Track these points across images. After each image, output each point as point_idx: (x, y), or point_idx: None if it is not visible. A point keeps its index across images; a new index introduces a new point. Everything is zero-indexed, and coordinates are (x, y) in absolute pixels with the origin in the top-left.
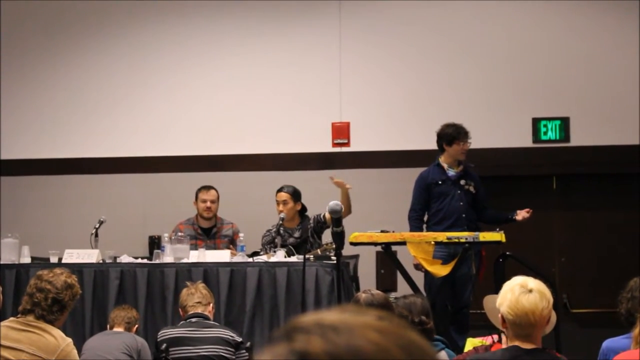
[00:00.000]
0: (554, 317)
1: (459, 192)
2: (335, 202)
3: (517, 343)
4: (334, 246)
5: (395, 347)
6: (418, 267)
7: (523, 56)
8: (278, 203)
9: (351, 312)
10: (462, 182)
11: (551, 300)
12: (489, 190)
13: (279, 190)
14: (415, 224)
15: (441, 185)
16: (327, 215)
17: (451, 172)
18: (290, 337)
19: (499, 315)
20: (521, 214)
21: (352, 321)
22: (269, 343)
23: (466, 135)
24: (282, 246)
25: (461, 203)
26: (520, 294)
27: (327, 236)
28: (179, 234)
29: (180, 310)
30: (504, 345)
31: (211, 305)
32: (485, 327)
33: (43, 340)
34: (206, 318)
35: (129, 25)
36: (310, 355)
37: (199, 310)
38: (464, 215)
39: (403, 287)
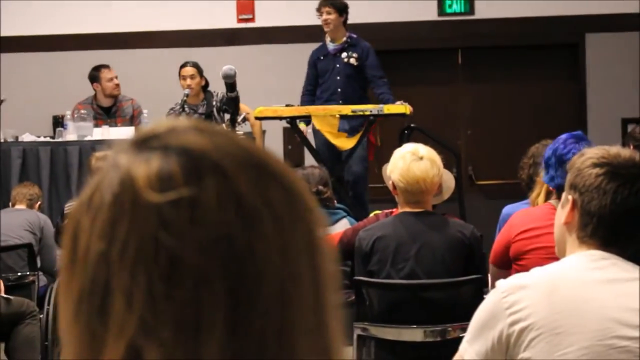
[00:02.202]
0: (451, 183)
1: (337, 65)
2: (229, 67)
3: (407, 209)
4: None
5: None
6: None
7: None
8: (184, 78)
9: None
10: (344, 55)
11: (441, 167)
12: (394, 65)
13: (184, 66)
14: (304, 101)
15: (322, 61)
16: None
17: (331, 46)
18: (151, 142)
19: (390, 182)
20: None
21: (218, 129)
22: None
23: (319, 6)
24: None
25: (338, 77)
26: (412, 161)
27: None
28: (82, 112)
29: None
30: None
31: None
32: (390, 201)
33: None
34: None
35: None
36: (196, 151)
37: None
38: (339, 90)
39: (310, 161)
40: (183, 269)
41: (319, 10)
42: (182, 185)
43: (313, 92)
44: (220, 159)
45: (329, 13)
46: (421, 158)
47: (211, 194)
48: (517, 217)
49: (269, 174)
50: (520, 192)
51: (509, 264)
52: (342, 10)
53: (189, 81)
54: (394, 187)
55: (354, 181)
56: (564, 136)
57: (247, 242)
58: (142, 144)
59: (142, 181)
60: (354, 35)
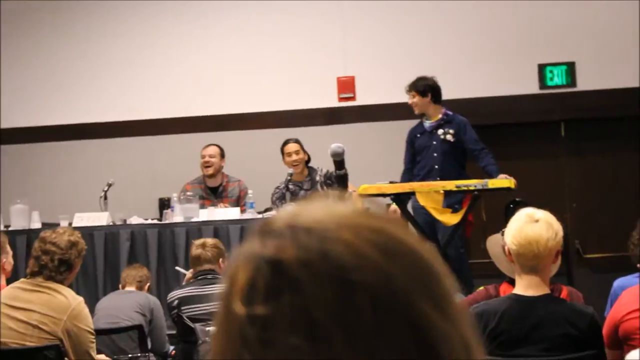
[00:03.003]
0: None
1: (434, 143)
2: (337, 145)
3: (523, 283)
4: None
5: (370, 248)
6: None
7: (526, 2)
8: (290, 154)
9: (331, 205)
10: (440, 131)
11: (560, 232)
12: (497, 139)
13: (286, 143)
14: (404, 180)
15: (420, 138)
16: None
17: (427, 124)
18: (262, 242)
19: (505, 247)
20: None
21: (327, 219)
22: (242, 245)
23: (406, 90)
24: (295, 200)
25: (435, 154)
26: (526, 223)
27: None
28: (188, 193)
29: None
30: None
31: (221, 260)
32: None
33: (54, 300)
34: (217, 273)
35: None
36: (282, 264)
37: (206, 267)
38: (436, 167)
39: None
40: None
41: (407, 93)
42: (261, 300)
43: (412, 170)
44: (302, 273)
45: (413, 96)
46: (537, 221)
47: (285, 314)
48: (626, 296)
49: (355, 284)
50: (630, 265)
51: (621, 344)
52: (425, 91)
53: (294, 157)
54: (509, 251)
55: (455, 261)
56: None
57: None
58: (261, 235)
59: (238, 287)
60: (450, 112)
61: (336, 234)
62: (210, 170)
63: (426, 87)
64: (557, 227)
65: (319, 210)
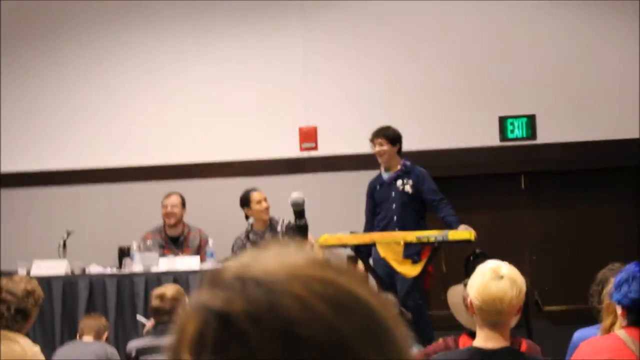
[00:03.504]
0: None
1: (393, 194)
2: (297, 194)
3: (483, 335)
4: None
5: (319, 301)
6: None
7: (487, 55)
8: (259, 201)
9: (282, 254)
10: (399, 182)
11: (523, 288)
12: (457, 191)
13: (252, 191)
14: (366, 232)
15: (379, 190)
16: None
17: (385, 176)
18: (211, 293)
19: (468, 299)
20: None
21: (278, 270)
22: (192, 295)
23: (372, 138)
24: None
25: (394, 205)
26: (490, 279)
27: None
28: (147, 242)
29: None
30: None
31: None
32: (457, 327)
33: (9, 351)
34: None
35: (91, 35)
36: (230, 317)
37: (166, 318)
38: (395, 218)
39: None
40: None
41: (372, 141)
42: (209, 352)
43: (373, 223)
44: (250, 326)
45: (381, 144)
46: (501, 277)
47: None
48: (584, 347)
49: (303, 339)
50: (589, 317)
51: None
52: (395, 140)
53: (264, 204)
54: (471, 305)
55: (414, 313)
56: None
57: None
58: (211, 286)
59: (187, 338)
60: (408, 163)
61: (286, 286)
62: (172, 221)
63: (395, 137)
64: (521, 283)
65: (271, 260)
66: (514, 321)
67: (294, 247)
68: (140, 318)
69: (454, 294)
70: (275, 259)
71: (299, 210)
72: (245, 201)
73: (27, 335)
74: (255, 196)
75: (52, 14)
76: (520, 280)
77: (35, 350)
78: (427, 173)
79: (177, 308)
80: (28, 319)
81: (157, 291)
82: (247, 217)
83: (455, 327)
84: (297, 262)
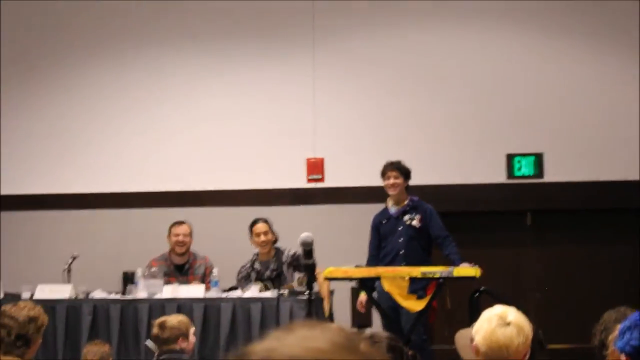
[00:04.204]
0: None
1: (400, 228)
2: (307, 234)
3: None
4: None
5: None
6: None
7: (496, 92)
8: (258, 235)
9: (307, 337)
10: (406, 217)
11: (530, 335)
12: (463, 227)
13: (255, 222)
14: (370, 265)
15: (385, 225)
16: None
17: (393, 210)
18: None
19: (473, 344)
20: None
21: (302, 355)
22: None
23: (386, 170)
24: (260, 280)
25: (401, 239)
26: (497, 326)
27: None
28: (152, 269)
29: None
30: None
31: (181, 339)
32: None
33: None
34: (179, 352)
35: (96, 60)
36: None
37: (164, 348)
38: (402, 252)
39: (378, 323)
40: None
41: (384, 174)
42: None
43: (377, 257)
44: None
45: (396, 177)
46: (508, 324)
47: None
48: None
49: None
50: (592, 357)
51: None
52: (408, 174)
53: (262, 238)
54: (477, 349)
55: (418, 348)
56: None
57: None
58: None
59: None
60: (415, 198)
61: None
62: (183, 249)
63: (407, 171)
64: (528, 330)
65: (296, 344)
66: None
67: (318, 330)
68: (149, 344)
69: (462, 336)
70: (301, 343)
71: (307, 250)
72: (250, 231)
73: None
74: (255, 229)
75: (52, 41)
76: (527, 326)
77: None
78: (434, 209)
79: (178, 337)
80: (30, 345)
81: (159, 320)
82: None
83: None
84: (322, 347)
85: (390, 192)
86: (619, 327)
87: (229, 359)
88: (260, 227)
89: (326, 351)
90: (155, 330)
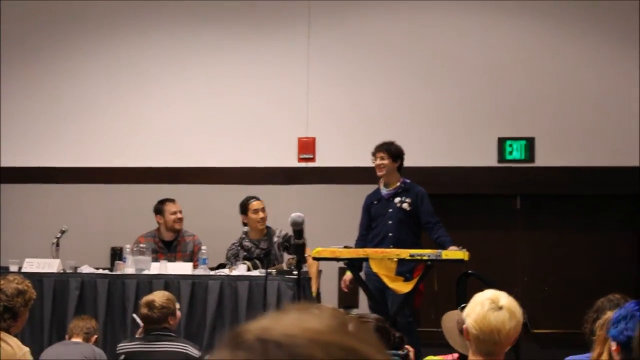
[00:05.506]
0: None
1: (390, 210)
2: (297, 214)
3: (478, 358)
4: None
5: None
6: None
7: (489, 76)
8: (257, 211)
9: (303, 318)
10: (397, 199)
11: (521, 320)
12: (452, 209)
13: (252, 199)
14: (358, 246)
15: (376, 205)
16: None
17: (384, 191)
18: (232, 353)
19: (464, 327)
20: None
21: (299, 334)
22: (213, 353)
23: (375, 151)
24: (250, 258)
25: (390, 222)
26: (489, 309)
27: None
28: (141, 245)
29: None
30: None
31: (170, 318)
32: (446, 345)
33: (1, 350)
34: (167, 330)
35: (94, 35)
36: None
37: (155, 326)
38: (390, 234)
39: (365, 304)
40: None
41: (374, 154)
42: None
43: (367, 237)
44: None
45: (382, 158)
46: (500, 308)
47: None
48: None
49: None
50: (577, 342)
51: None
52: (397, 156)
53: (261, 214)
54: (467, 332)
55: (404, 330)
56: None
57: None
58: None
59: None
60: (408, 181)
61: (307, 350)
62: (182, 225)
63: (397, 153)
64: (519, 315)
65: (291, 323)
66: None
67: (314, 311)
68: (136, 317)
69: (448, 319)
70: (296, 323)
71: (297, 230)
72: (243, 208)
73: (16, 335)
74: (253, 205)
75: (45, 17)
76: (519, 311)
77: (25, 350)
78: (426, 193)
79: (166, 316)
80: (16, 319)
81: (146, 299)
82: (244, 224)
83: (443, 345)
84: (317, 327)
85: (378, 173)
86: (609, 313)
87: (226, 337)
88: (258, 203)
89: (321, 332)
90: (144, 310)
